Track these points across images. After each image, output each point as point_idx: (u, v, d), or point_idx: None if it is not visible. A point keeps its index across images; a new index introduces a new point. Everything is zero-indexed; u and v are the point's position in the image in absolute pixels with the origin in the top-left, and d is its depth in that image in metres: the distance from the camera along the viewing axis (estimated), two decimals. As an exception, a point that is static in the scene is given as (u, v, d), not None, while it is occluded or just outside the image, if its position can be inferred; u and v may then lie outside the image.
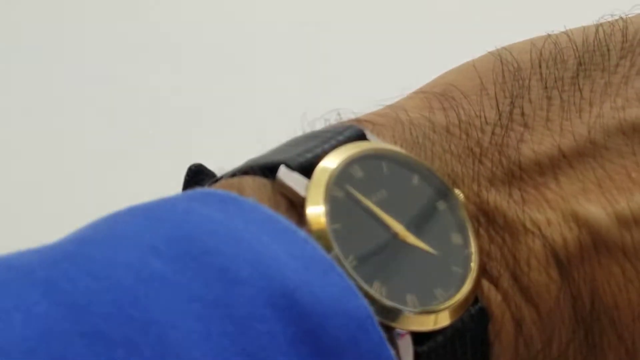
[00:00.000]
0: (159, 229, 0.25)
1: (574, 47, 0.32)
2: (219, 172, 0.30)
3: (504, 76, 0.31)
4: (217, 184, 0.29)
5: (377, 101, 0.32)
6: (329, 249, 0.26)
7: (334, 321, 0.24)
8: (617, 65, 0.31)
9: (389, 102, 0.32)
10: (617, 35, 0.32)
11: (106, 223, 0.26)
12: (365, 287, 0.26)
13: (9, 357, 0.22)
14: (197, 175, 0.31)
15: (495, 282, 0.28)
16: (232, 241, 0.25)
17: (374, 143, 0.29)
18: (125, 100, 0.65)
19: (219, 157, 0.32)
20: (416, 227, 0.28)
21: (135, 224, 0.26)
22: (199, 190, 0.27)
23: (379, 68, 0.51)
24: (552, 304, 0.28)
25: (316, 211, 0.27)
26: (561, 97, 0.31)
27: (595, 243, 0.29)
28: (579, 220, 0.29)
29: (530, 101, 0.31)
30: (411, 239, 0.28)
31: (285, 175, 0.28)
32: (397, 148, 0.29)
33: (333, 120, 0.31)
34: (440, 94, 0.31)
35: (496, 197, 0.29)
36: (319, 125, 0.31)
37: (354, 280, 0.26)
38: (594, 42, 0.32)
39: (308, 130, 0.31)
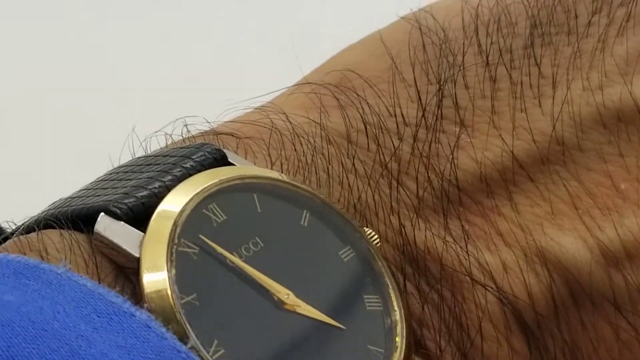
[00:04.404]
0: None
1: (525, 2, 0.30)
2: (7, 226, 0.28)
3: (425, 51, 0.29)
4: (7, 244, 0.26)
5: (241, 102, 0.29)
6: (182, 335, 0.23)
7: None
8: (588, 24, 0.29)
9: (257, 104, 0.30)
10: None
11: None
12: None
13: None
14: None
15: None
16: (33, 337, 0.23)
17: (240, 168, 0.26)
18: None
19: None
20: (311, 290, 0.25)
21: None
22: None
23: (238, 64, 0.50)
24: None
25: (158, 279, 0.24)
26: (511, 78, 0.29)
27: (575, 294, 0.27)
28: (548, 261, 0.27)
29: (466, 86, 0.29)
30: (304, 308, 0.25)
31: (108, 227, 0.25)
32: (275, 173, 0.27)
33: (177, 135, 0.28)
34: (334, 85, 0.29)
35: (427, 234, 0.27)
36: (156, 145, 0.28)
37: None
38: None
39: (140, 152, 0.28)
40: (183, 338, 0.23)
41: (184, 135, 0.28)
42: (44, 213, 0.26)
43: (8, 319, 0.23)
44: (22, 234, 0.26)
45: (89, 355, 0.22)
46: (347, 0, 0.35)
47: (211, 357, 0.23)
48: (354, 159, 0.28)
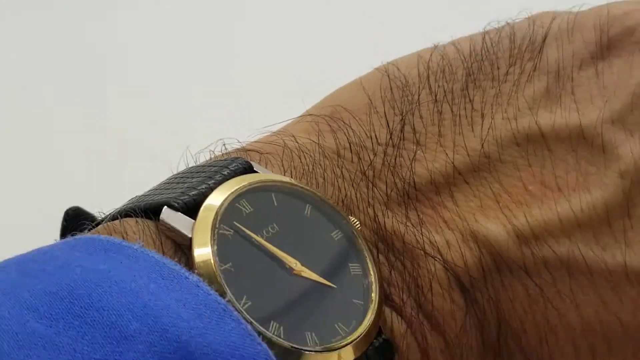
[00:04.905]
0: (36, 286, 0.23)
1: (462, 58, 0.30)
2: (99, 215, 0.28)
3: (392, 92, 0.30)
4: (99, 227, 0.26)
5: (262, 128, 0.30)
6: (221, 293, 0.24)
7: None
8: (506, 73, 0.30)
9: (274, 129, 0.30)
10: (504, 42, 0.30)
11: None
12: (262, 329, 0.24)
13: None
14: (76, 219, 0.28)
15: (399, 311, 0.26)
16: (117, 293, 0.23)
17: (262, 175, 0.27)
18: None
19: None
20: (312, 260, 0.26)
21: (11, 281, 0.23)
22: (80, 237, 0.25)
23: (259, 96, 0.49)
24: (459, 331, 0.26)
25: (204, 252, 0.25)
26: (452, 111, 0.29)
27: (497, 263, 0.27)
28: (478, 240, 0.27)
29: (421, 117, 0.29)
30: (307, 273, 0.26)
31: (169, 216, 0.25)
32: (286, 178, 0.27)
33: (218, 151, 0.29)
34: (328, 116, 0.29)
35: (393, 221, 0.27)
36: (203, 158, 0.29)
37: (251, 323, 0.24)
38: (481, 51, 0.30)
39: (192, 164, 0.29)
40: (222, 294, 0.24)
41: (222, 152, 0.29)
42: (124, 206, 0.27)
43: (100, 280, 0.23)
44: (110, 221, 0.27)
45: (156, 307, 0.23)
46: (338, 55, 0.36)
47: (242, 307, 0.24)
48: (342, 168, 0.28)
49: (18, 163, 0.50)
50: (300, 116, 0.30)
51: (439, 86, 0.29)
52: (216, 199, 0.26)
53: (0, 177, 0.48)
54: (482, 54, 0.30)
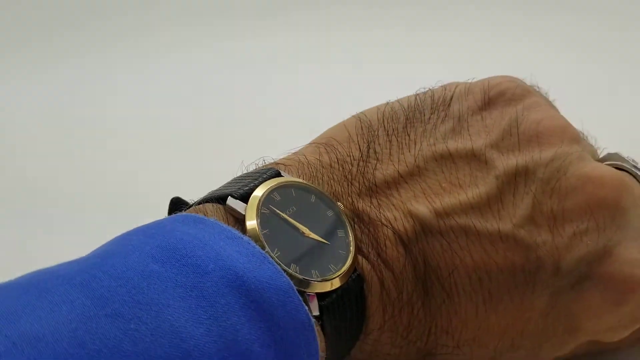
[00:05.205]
0: (154, 242, 0.25)
1: (403, 109, 0.31)
2: (190, 202, 0.29)
3: (362, 130, 0.31)
4: (190, 209, 0.28)
5: (286, 150, 0.31)
6: (262, 247, 0.26)
7: (269, 292, 0.24)
8: (429, 118, 0.31)
9: (293, 151, 0.31)
10: (427, 100, 0.31)
11: (120, 240, 0.26)
12: (286, 268, 0.26)
13: (60, 334, 0.21)
14: (176, 204, 0.30)
15: (366, 257, 0.28)
16: (201, 247, 0.25)
17: (286, 178, 0.28)
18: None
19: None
20: (316, 228, 0.27)
21: (139, 239, 0.25)
22: (179, 214, 0.27)
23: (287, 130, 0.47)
24: (401, 268, 0.28)
25: (252, 223, 0.26)
26: (397, 140, 0.30)
27: (423, 229, 0.28)
28: (413, 216, 0.28)
29: (379, 144, 0.30)
30: (313, 235, 0.27)
31: (232, 202, 0.27)
32: (300, 179, 0.28)
33: (260, 163, 0.30)
34: (324, 144, 0.31)
35: (363, 205, 0.28)
36: (251, 168, 0.30)
37: (279, 265, 0.25)
38: (414, 105, 0.31)
39: (245, 171, 0.30)
40: (263, 248, 0.25)
41: (263, 164, 0.30)
42: (205, 196, 0.28)
43: (190, 239, 0.25)
44: (197, 205, 0.28)
45: (224, 255, 0.24)
46: (330, 109, 0.35)
47: (274, 255, 0.25)
48: (332, 174, 0.29)
49: (154, 164, 0.49)
50: (308, 144, 0.31)
51: (389, 126, 0.30)
52: (259, 192, 0.27)
53: (143, 173, 0.47)
54: (415, 107, 0.31)
